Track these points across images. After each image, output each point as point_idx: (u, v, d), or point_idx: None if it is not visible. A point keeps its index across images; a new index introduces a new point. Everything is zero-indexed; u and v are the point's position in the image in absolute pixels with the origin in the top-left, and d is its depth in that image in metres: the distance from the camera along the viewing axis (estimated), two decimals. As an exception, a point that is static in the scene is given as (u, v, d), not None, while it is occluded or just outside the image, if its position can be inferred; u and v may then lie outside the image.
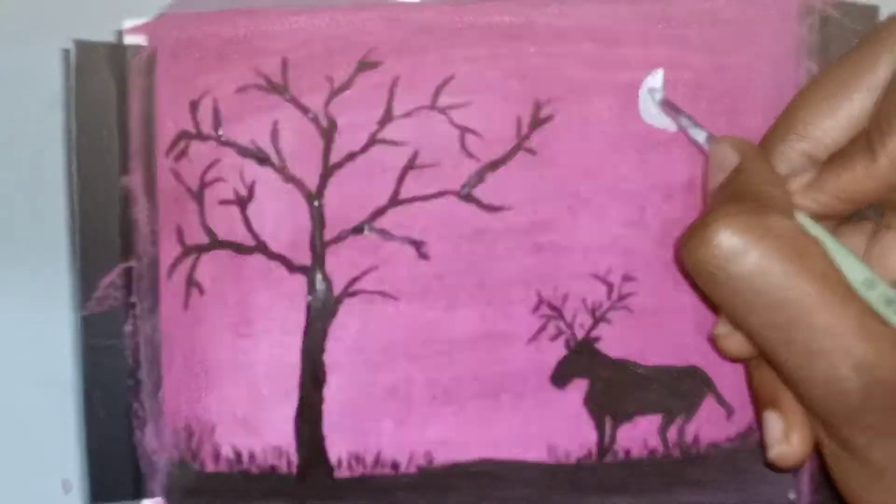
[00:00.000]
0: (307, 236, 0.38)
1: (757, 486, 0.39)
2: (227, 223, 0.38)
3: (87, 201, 0.37)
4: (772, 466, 0.33)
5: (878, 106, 0.31)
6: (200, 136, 0.37)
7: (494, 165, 0.38)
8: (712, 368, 0.38)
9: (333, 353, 0.38)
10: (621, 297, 0.38)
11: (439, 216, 0.38)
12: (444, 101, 0.37)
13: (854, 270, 0.31)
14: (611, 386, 0.38)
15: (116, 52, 0.37)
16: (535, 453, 0.38)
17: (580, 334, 0.38)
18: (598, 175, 0.38)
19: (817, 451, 0.33)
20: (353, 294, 0.38)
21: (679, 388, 0.38)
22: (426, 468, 0.38)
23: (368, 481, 0.38)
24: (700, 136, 0.35)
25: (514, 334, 0.38)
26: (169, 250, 0.38)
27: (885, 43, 0.32)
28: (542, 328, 0.38)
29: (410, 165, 0.37)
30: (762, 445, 0.34)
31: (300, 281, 0.38)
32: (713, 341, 0.34)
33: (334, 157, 0.37)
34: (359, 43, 0.37)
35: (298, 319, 0.38)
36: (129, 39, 0.37)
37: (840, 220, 0.35)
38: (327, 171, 0.38)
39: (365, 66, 0.37)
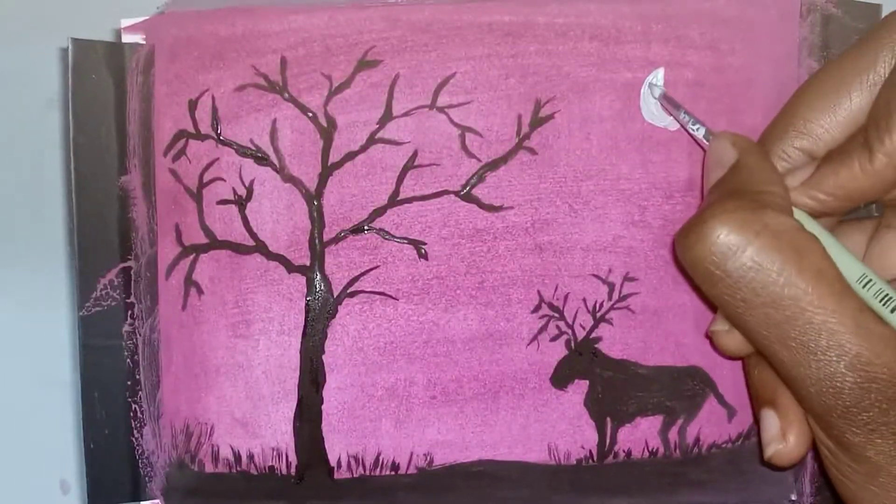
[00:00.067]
0: (306, 236, 0.37)
1: (758, 487, 0.39)
2: (225, 223, 0.37)
3: (85, 201, 0.37)
4: (769, 465, 0.34)
5: (876, 104, 0.31)
6: (199, 136, 0.37)
7: (495, 165, 0.37)
8: (713, 369, 0.38)
9: (333, 354, 0.38)
10: (622, 298, 0.38)
11: (439, 216, 0.37)
12: (443, 100, 0.37)
13: (850, 268, 0.31)
14: (611, 387, 0.38)
15: (114, 51, 0.37)
16: (535, 454, 0.38)
17: (581, 335, 0.38)
18: (599, 174, 0.37)
19: (816, 450, 0.32)
20: (353, 294, 0.38)
21: (680, 389, 0.38)
22: (426, 469, 0.38)
23: (368, 482, 0.38)
24: (699, 132, 0.35)
25: (514, 335, 0.38)
26: (167, 250, 0.38)
27: (884, 41, 0.32)
28: (543, 328, 0.38)
29: (410, 165, 0.37)
30: (759, 444, 0.34)
31: (299, 281, 0.38)
32: (711, 338, 0.34)
33: (333, 157, 0.37)
34: (358, 42, 0.37)
35: (297, 320, 0.38)
36: (127, 38, 0.37)
37: (839, 217, 0.35)
38: (326, 171, 0.37)
39: (364, 65, 0.37)
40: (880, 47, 0.32)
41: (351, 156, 0.38)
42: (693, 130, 0.36)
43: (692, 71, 0.38)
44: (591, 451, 0.39)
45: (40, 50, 0.42)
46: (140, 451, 0.38)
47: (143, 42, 0.38)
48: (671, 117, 0.37)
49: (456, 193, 0.38)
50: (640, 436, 0.39)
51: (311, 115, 0.37)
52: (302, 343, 0.38)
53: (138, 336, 0.38)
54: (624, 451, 0.39)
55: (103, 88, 0.37)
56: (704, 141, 0.35)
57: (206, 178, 0.38)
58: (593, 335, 0.38)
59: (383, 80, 0.37)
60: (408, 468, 0.38)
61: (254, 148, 0.38)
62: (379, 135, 0.38)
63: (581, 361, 0.38)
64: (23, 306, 0.43)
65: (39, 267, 0.43)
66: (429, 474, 0.38)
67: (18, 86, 0.43)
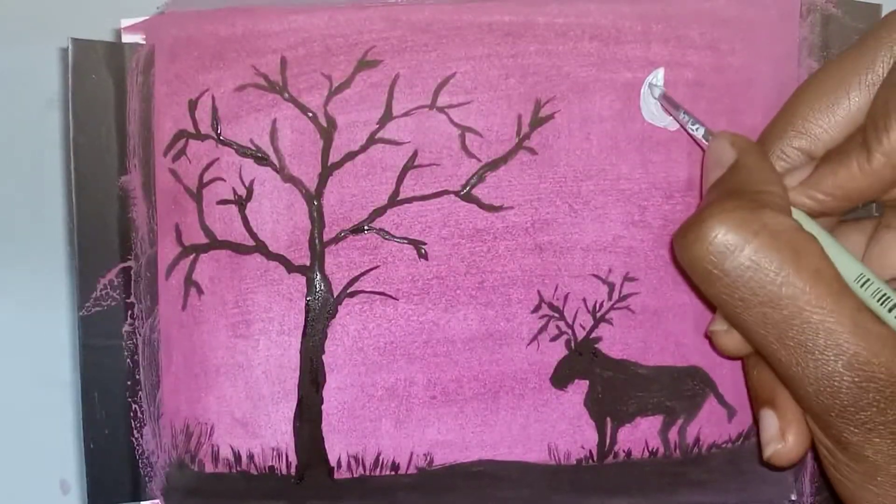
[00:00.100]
0: (306, 236, 0.37)
1: (758, 487, 0.39)
2: (225, 223, 0.38)
3: (85, 201, 0.37)
4: (768, 465, 0.34)
5: (874, 103, 0.31)
6: (199, 136, 0.37)
7: (495, 165, 0.37)
8: (713, 369, 0.38)
9: (333, 354, 0.38)
10: (622, 298, 0.38)
11: (439, 216, 0.37)
12: (443, 100, 0.37)
13: (849, 268, 0.31)
14: (611, 387, 0.38)
15: (114, 51, 0.37)
16: (535, 454, 0.38)
17: (581, 335, 0.38)
18: (599, 174, 0.37)
19: (815, 450, 0.33)
20: (353, 294, 0.38)
21: (680, 389, 0.38)
22: (426, 469, 0.38)
23: (368, 482, 0.38)
24: (699, 132, 0.35)
25: (514, 335, 0.38)
26: (167, 250, 0.38)
27: (883, 41, 0.32)
28: (543, 329, 0.38)
29: (410, 165, 0.37)
30: (758, 444, 0.34)
31: (299, 281, 0.38)
32: (710, 338, 0.34)
33: (333, 157, 0.37)
34: (358, 42, 0.37)
35: (297, 320, 0.38)
36: (127, 38, 0.37)
37: (839, 217, 0.35)
38: (326, 171, 0.37)
39: (364, 64, 0.37)
40: (879, 47, 0.32)
41: (351, 156, 0.38)
42: (692, 130, 0.36)
43: (692, 71, 0.38)
44: (591, 451, 0.39)
45: (40, 50, 0.42)
46: (140, 451, 0.38)
47: (144, 42, 0.38)
48: (671, 117, 0.37)
49: (456, 193, 0.38)
50: (640, 436, 0.39)
51: (311, 115, 0.37)
52: (302, 343, 0.38)
53: (138, 336, 0.38)
54: (624, 451, 0.39)
55: (103, 88, 0.37)
56: (704, 141, 0.35)
57: (206, 178, 0.38)
58: (593, 335, 0.38)
59: (383, 80, 0.37)
60: (408, 468, 0.38)
61: (254, 148, 0.38)
62: (379, 135, 0.38)
63: (581, 361, 0.38)
64: (23, 306, 0.43)
65: (39, 267, 0.43)
66: (429, 474, 0.38)
67: (19, 86, 0.43)
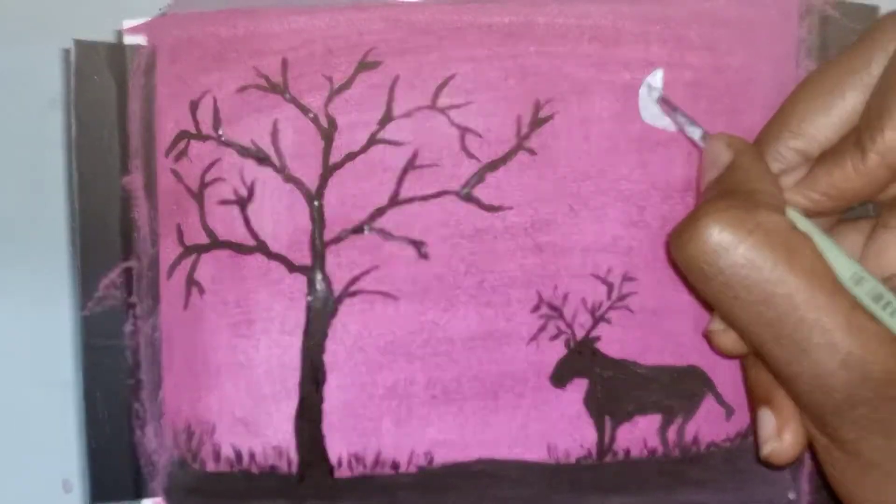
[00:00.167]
0: (307, 236, 0.38)
1: (756, 485, 0.39)
2: (226, 223, 0.38)
3: (87, 201, 0.37)
4: (765, 463, 0.34)
5: (869, 104, 0.31)
6: (200, 136, 0.38)
7: (494, 165, 0.38)
8: (712, 368, 0.39)
9: (333, 353, 0.38)
10: (621, 297, 0.38)
11: (439, 216, 0.38)
12: (443, 101, 0.37)
13: (843, 267, 0.31)
14: (610, 386, 0.38)
15: (116, 52, 0.37)
16: (534, 453, 0.38)
17: (580, 334, 0.38)
18: (598, 175, 0.38)
19: (812, 448, 0.33)
20: (353, 294, 0.38)
21: (679, 388, 0.39)
22: (426, 468, 0.38)
23: (368, 481, 0.38)
24: (696, 133, 0.36)
25: (513, 334, 0.38)
26: (169, 250, 0.38)
27: (879, 41, 0.32)
28: (542, 328, 0.38)
29: (410, 165, 0.38)
30: (756, 443, 0.34)
31: (300, 281, 0.38)
32: (708, 337, 0.34)
33: (334, 157, 0.38)
34: (359, 43, 0.37)
35: (298, 319, 0.38)
36: (129, 39, 0.38)
37: (836, 217, 0.35)
38: (327, 171, 0.38)
39: (365, 66, 0.37)
40: (874, 49, 0.32)
41: (351, 156, 0.38)
42: (690, 133, 0.36)
43: (691, 71, 0.38)
44: (590, 450, 0.39)
45: (42, 51, 0.42)
46: (142, 450, 0.38)
47: (145, 43, 0.38)
48: (667, 116, 0.38)
49: (456, 194, 0.38)
50: (639, 435, 0.39)
51: (311, 115, 0.38)
52: (303, 342, 0.38)
53: (140, 336, 0.38)
54: (623, 450, 0.39)
55: (105, 89, 0.38)
56: (701, 143, 0.36)
57: (208, 178, 0.38)
58: (592, 334, 0.38)
59: (384, 80, 0.38)
60: (408, 467, 0.39)
61: (255, 148, 0.38)
62: (379, 135, 0.38)
63: (580, 360, 0.39)
64: (24, 306, 0.44)
65: (41, 267, 0.43)
66: (429, 473, 0.39)
67: (20, 87, 0.43)
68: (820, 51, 0.38)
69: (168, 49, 0.38)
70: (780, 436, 0.33)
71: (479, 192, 0.38)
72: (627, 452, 0.39)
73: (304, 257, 0.38)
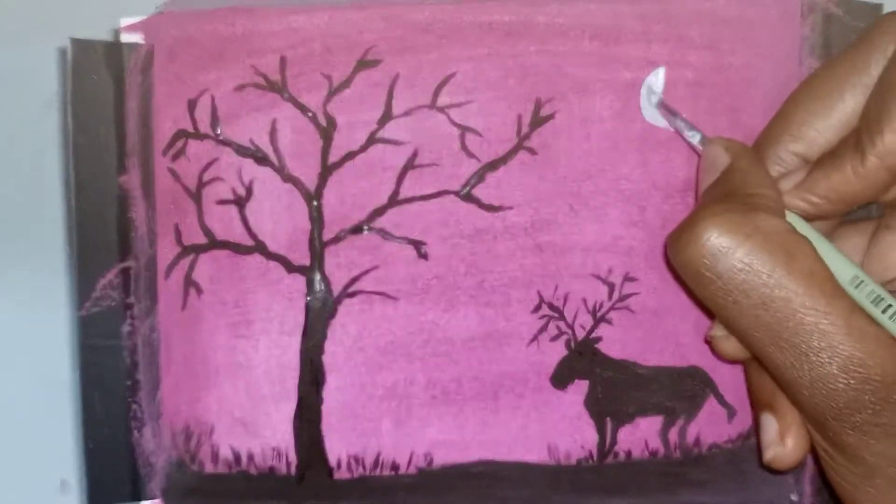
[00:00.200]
0: (306, 236, 0.38)
1: (758, 487, 0.39)
2: (225, 223, 0.38)
3: (84, 201, 0.37)
4: (768, 468, 0.34)
5: (867, 106, 0.31)
6: (198, 135, 0.38)
7: (494, 165, 0.38)
8: (713, 369, 0.39)
9: (333, 354, 0.38)
10: (622, 298, 0.38)
11: (439, 216, 0.38)
12: (443, 100, 0.37)
13: (843, 270, 0.31)
14: (611, 387, 0.38)
15: (113, 51, 0.37)
16: (535, 454, 0.38)
17: (581, 335, 0.38)
18: (599, 175, 0.38)
19: (814, 452, 0.33)
20: (353, 294, 0.38)
21: (680, 389, 0.38)
22: (426, 469, 0.38)
23: (368, 482, 0.38)
24: (695, 138, 0.36)
25: (514, 335, 0.38)
26: (167, 250, 0.38)
27: (877, 43, 0.32)
28: (543, 329, 0.38)
29: (410, 165, 0.37)
30: (758, 447, 0.34)
31: (299, 281, 0.38)
32: (710, 343, 0.34)
33: (333, 157, 0.37)
34: (358, 42, 0.37)
35: (297, 319, 0.38)
36: (126, 38, 0.38)
37: (837, 220, 0.35)
38: (326, 171, 0.37)
39: (364, 64, 0.37)
40: (872, 50, 0.32)
41: (351, 156, 0.38)
42: (689, 137, 0.36)
43: (692, 71, 0.38)
44: (591, 452, 0.39)
45: (39, 50, 0.42)
46: (140, 450, 0.38)
47: (143, 42, 0.38)
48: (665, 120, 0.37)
49: (456, 193, 0.38)
50: (641, 436, 0.39)
51: (310, 114, 0.38)
52: (302, 343, 0.38)
53: (138, 336, 0.38)
54: (624, 452, 0.39)
55: (103, 88, 0.37)
56: (700, 147, 0.36)
57: (206, 177, 0.38)
58: (593, 335, 0.38)
59: (383, 79, 0.38)
60: (408, 468, 0.38)
61: (253, 148, 0.38)
62: (379, 135, 0.38)
63: (581, 361, 0.38)
64: (22, 306, 0.43)
65: (38, 267, 0.43)
66: (429, 474, 0.39)
67: (17, 86, 0.43)
68: (823, 49, 0.38)
69: (166, 47, 0.38)
70: (783, 441, 0.33)
71: (479, 191, 0.38)
72: (629, 454, 0.39)
73: (303, 257, 0.38)
